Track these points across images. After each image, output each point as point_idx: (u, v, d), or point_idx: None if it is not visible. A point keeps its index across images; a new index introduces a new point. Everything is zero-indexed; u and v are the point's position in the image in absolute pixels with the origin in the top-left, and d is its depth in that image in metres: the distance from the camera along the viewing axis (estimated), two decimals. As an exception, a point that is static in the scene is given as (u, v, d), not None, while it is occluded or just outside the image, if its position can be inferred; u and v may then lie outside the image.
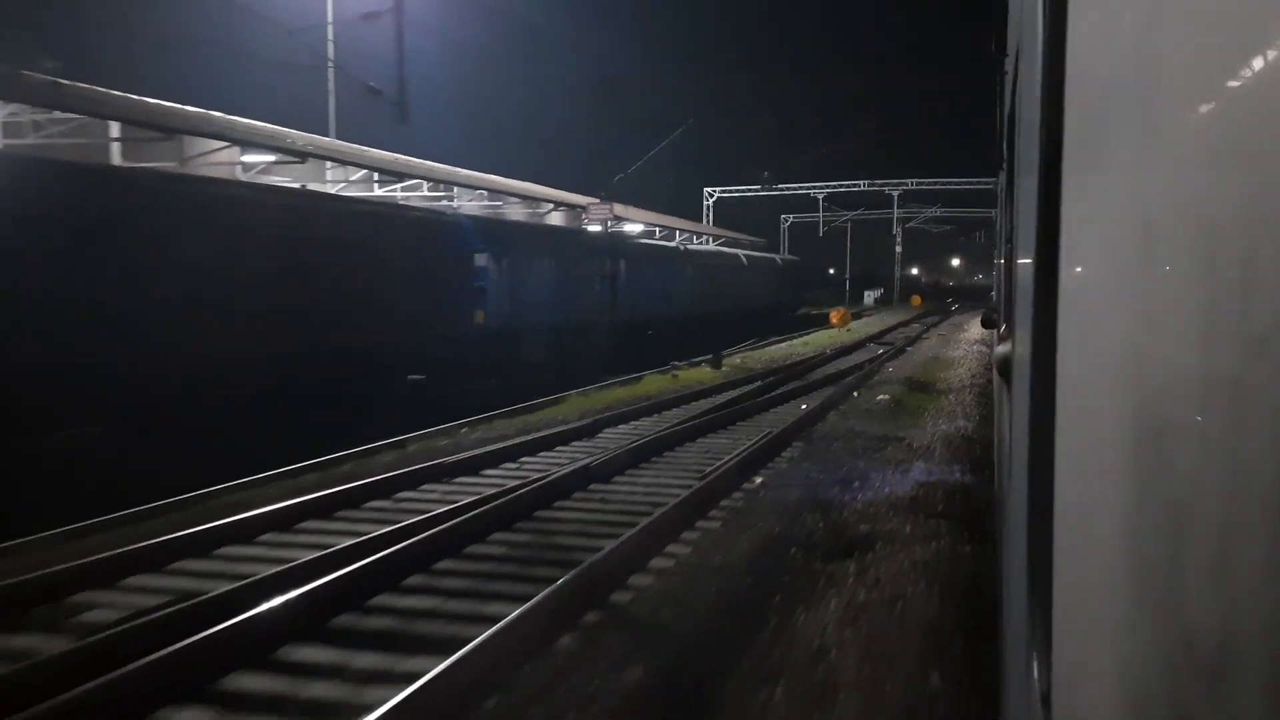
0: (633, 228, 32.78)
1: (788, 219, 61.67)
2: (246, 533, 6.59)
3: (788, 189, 52.83)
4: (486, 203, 25.53)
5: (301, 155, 15.02)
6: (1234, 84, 0.50)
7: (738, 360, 20.62)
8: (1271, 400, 0.45)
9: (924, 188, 53.24)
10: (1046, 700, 0.91)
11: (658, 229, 36.76)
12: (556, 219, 28.84)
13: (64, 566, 5.55)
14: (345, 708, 3.99)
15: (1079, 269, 0.89)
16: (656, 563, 5.99)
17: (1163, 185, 0.63)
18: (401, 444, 10.14)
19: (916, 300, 59.60)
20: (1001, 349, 2.52)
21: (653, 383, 16.43)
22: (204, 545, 6.28)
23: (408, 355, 14.95)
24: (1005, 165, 3.34)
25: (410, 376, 15.12)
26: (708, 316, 30.47)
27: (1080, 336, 0.86)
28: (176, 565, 5.96)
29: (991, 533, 5.31)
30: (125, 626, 4.61)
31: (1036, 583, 1.03)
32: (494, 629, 4.51)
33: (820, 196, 53.08)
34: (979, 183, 47.64)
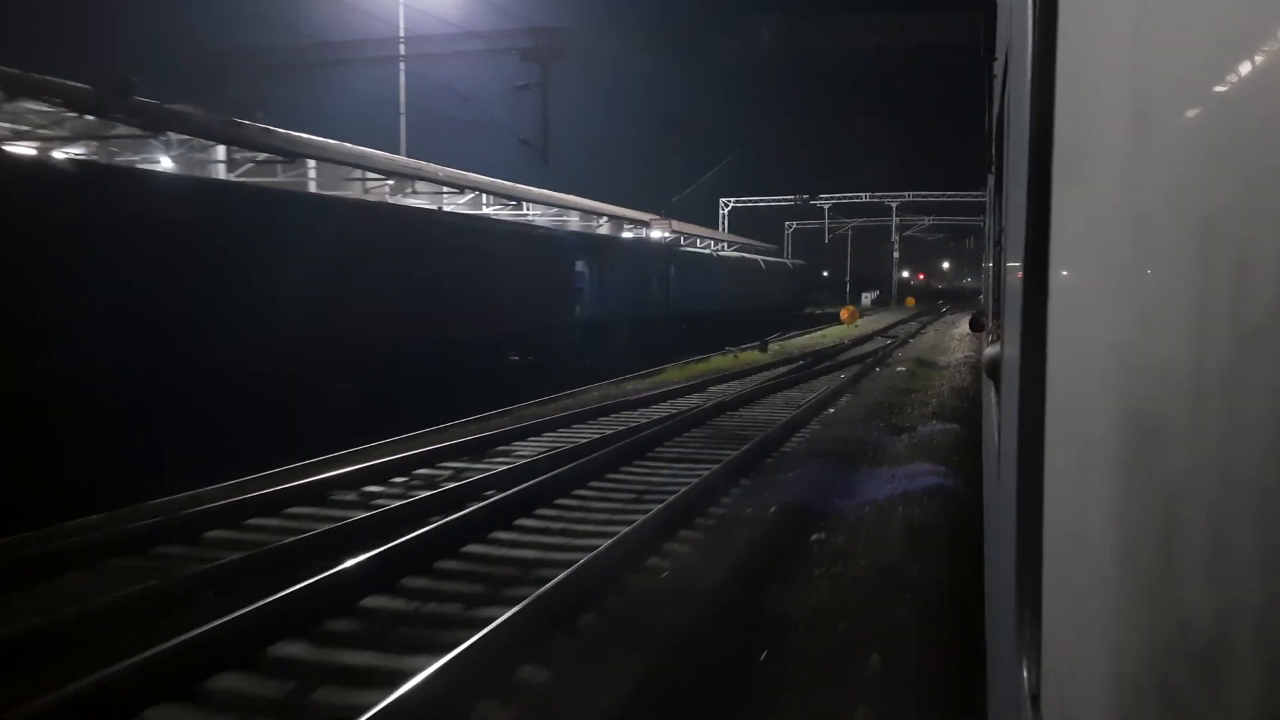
0: (658, 234, 37.73)
1: (791, 225, 66.84)
2: (569, 420, 11.73)
3: (797, 199, 57.92)
4: (561, 219, 30.39)
5: (459, 187, 19.85)
6: (1225, 83, 0.50)
7: (776, 347, 25.50)
8: (1263, 397, 0.46)
9: (919, 199, 58.55)
10: (1036, 700, 0.89)
11: (682, 236, 41.72)
12: (605, 229, 33.77)
13: (483, 434, 10.30)
14: (673, 483, 8.73)
15: (1069, 269, 0.88)
16: (793, 439, 10.80)
17: (1154, 184, 0.63)
18: (587, 390, 14.98)
19: (911, 301, 65.08)
20: (990, 350, 2.55)
21: (719, 361, 21.25)
22: (554, 425, 11.35)
23: (534, 340, 19.82)
24: (994, 168, 3.40)
25: (528, 357, 20.05)
26: (733, 313, 35.40)
27: (1071, 336, 0.85)
28: (544, 435, 10.94)
29: (976, 422, 10.02)
30: (553, 452, 9.39)
31: (1026, 583, 1.01)
32: (731, 455, 9.28)
33: (826, 207, 58.25)
34: (968, 195, 52.83)
